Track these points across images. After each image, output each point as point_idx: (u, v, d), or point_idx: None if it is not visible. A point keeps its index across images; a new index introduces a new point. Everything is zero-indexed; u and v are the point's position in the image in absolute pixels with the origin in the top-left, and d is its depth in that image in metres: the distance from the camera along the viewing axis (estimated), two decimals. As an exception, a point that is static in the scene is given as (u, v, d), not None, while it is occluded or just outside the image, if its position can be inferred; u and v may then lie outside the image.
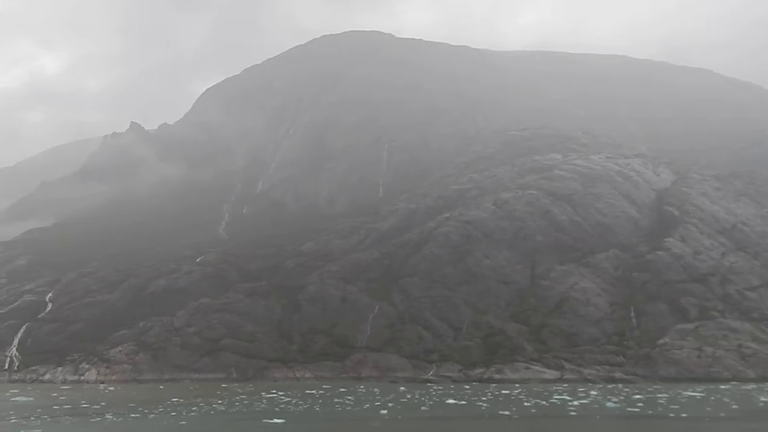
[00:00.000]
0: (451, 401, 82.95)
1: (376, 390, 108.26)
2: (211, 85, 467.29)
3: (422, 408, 75.20)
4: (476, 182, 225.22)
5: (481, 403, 79.43)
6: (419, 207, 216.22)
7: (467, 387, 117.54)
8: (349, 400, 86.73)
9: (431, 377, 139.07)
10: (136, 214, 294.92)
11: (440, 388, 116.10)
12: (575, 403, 77.53)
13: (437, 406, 77.72)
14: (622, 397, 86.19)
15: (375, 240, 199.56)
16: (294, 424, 58.67)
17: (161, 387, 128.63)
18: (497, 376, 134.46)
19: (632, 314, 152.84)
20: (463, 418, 65.07)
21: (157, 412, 70.79)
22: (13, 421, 62.58)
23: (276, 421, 59.08)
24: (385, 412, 69.72)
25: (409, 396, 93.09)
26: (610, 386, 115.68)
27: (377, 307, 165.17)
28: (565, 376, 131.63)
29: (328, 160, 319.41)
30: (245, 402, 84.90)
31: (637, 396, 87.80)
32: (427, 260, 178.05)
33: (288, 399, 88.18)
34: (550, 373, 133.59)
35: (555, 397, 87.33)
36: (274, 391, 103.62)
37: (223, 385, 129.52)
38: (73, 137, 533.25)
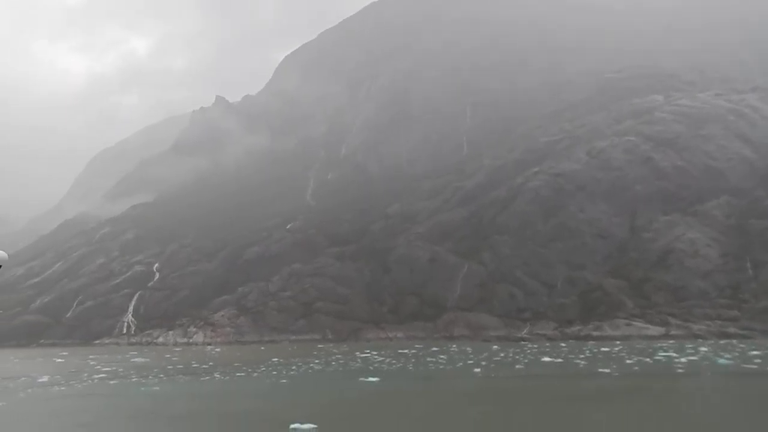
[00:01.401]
0: (546, 359, 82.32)
1: (468, 349, 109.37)
2: (289, 52, 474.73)
3: (517, 366, 75.11)
4: (567, 132, 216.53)
5: (578, 361, 78.27)
6: (506, 162, 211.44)
7: (563, 345, 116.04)
8: (441, 359, 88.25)
9: (525, 336, 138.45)
10: (226, 185, 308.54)
11: (535, 346, 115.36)
12: (683, 360, 74.40)
13: (532, 364, 77.37)
14: (736, 354, 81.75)
15: (461, 199, 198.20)
16: (388, 382, 60.53)
17: (262, 348, 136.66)
18: (595, 334, 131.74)
19: (748, 265, 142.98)
20: (560, 376, 64.54)
21: (259, 371, 75.54)
22: (134, 379, 69.07)
23: (371, 379, 61.27)
24: (479, 370, 70.37)
25: (502, 354, 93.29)
26: (722, 342, 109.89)
27: (466, 267, 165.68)
28: (670, 333, 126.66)
29: (409, 120, 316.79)
30: (341, 361, 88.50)
31: (755, 352, 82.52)
32: (517, 217, 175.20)
33: (381, 358, 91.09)
34: (654, 330, 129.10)
35: (660, 354, 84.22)
36: (368, 351, 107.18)
37: (319, 346, 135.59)
38: (164, 115, 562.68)
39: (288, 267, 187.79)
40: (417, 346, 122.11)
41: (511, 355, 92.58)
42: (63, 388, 61.65)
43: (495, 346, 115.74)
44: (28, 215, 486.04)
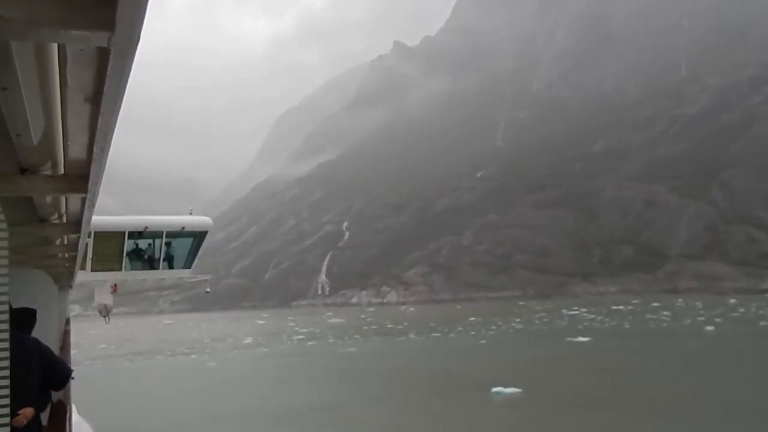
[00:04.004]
0: (802, 315, 73.95)
1: (697, 304, 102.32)
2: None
3: (761, 323, 68.92)
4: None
5: None
6: (738, 80, 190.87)
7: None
8: (665, 315, 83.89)
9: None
10: (410, 134, 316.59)
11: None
12: None
13: (783, 320, 69.91)
14: None
15: (681, 128, 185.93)
16: (601, 342, 58.60)
17: (458, 306, 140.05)
18: None
19: None
20: (822, 334, 57.30)
21: (456, 331, 77.59)
22: (331, 340, 75.02)
23: (580, 339, 59.83)
24: (712, 328, 65.67)
25: (741, 310, 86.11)
26: None
27: (691, 208, 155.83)
28: None
29: (612, 42, 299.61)
30: (545, 320, 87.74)
31: None
32: (756, 145, 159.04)
33: (592, 316, 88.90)
34: None
35: None
36: (576, 308, 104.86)
37: (520, 303, 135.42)
38: (344, 67, 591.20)
39: (481, 218, 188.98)
40: (634, 301, 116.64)
41: (753, 310, 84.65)
42: (266, 349, 69.08)
43: (732, 300, 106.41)
44: (222, 181, 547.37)
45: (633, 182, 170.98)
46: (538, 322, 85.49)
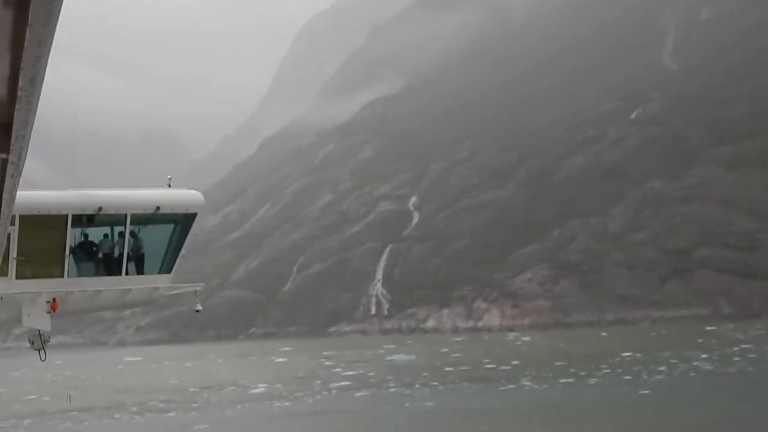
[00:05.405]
0: None
1: None
2: None
3: None
4: None
5: None
6: None
7: None
8: None
9: None
10: (516, 51, 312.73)
11: None
12: None
13: None
14: None
15: None
16: None
17: (602, 334, 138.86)
18: None
19: None
20: None
21: (599, 374, 77.04)
22: (392, 389, 75.34)
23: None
24: None
25: None
26: None
27: None
28: None
29: None
30: (750, 355, 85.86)
31: None
32: None
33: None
34: None
35: None
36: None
37: (707, 328, 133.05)
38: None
39: (639, 188, 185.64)
40: None
41: None
42: (287, 404, 69.98)
43: None
44: (216, 134, 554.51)
45: None
46: (738, 358, 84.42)
